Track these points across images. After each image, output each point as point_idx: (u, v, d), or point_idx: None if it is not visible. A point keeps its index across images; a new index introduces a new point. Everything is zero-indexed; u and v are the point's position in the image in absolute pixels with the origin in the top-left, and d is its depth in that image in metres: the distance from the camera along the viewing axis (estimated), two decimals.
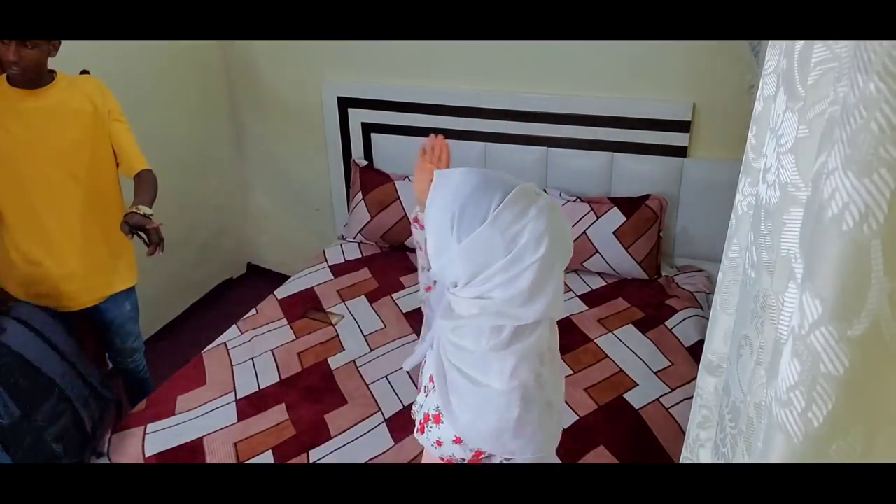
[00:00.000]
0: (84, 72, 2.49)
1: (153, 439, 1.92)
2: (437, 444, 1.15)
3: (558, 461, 1.16)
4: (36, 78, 1.91)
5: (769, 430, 0.52)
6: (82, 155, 2.01)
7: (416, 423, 1.19)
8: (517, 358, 1.07)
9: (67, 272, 2.06)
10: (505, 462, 1.12)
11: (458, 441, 1.12)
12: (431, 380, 1.16)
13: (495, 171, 1.08)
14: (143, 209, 1.90)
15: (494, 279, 1.02)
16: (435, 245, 1.08)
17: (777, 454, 0.51)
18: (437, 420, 1.14)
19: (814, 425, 0.47)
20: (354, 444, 1.90)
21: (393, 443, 1.90)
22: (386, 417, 1.99)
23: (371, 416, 2.00)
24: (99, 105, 2.03)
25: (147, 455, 1.87)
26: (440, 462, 1.17)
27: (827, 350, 0.45)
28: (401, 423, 1.96)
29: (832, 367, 0.45)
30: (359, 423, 1.97)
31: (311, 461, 1.85)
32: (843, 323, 0.44)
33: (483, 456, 1.13)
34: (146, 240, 1.88)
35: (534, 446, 1.10)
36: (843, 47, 0.49)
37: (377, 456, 1.86)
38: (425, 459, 1.22)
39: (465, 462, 1.14)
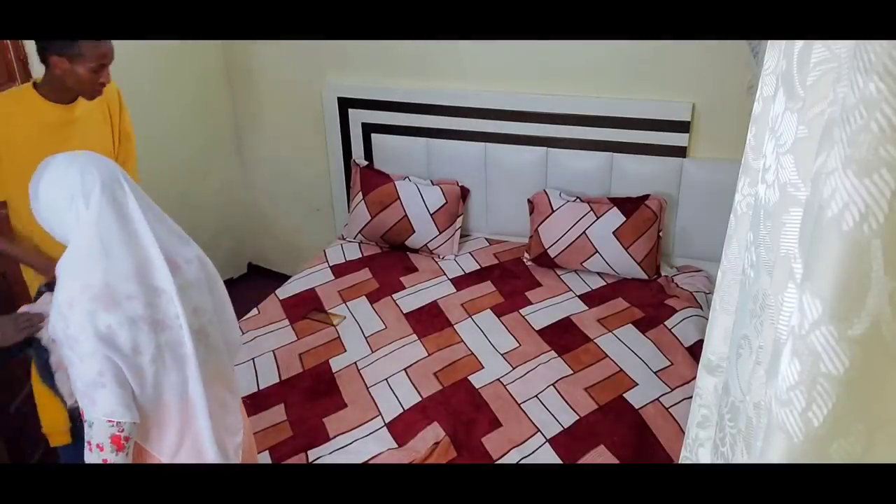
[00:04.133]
0: None
1: None
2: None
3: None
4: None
5: (769, 429, 0.52)
6: None
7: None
8: None
9: None
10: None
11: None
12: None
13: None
14: None
15: None
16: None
17: (777, 454, 0.51)
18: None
19: (814, 425, 0.47)
20: (353, 446, 1.90)
21: (393, 446, 1.90)
22: (386, 421, 1.99)
23: (371, 419, 2.00)
24: (114, 118, 2.05)
25: None
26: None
27: (827, 350, 0.45)
28: (400, 428, 1.96)
29: (832, 366, 0.45)
30: (358, 426, 1.97)
31: (309, 462, 1.85)
32: (843, 323, 0.44)
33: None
34: None
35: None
36: (842, 47, 0.49)
37: (374, 457, 1.86)
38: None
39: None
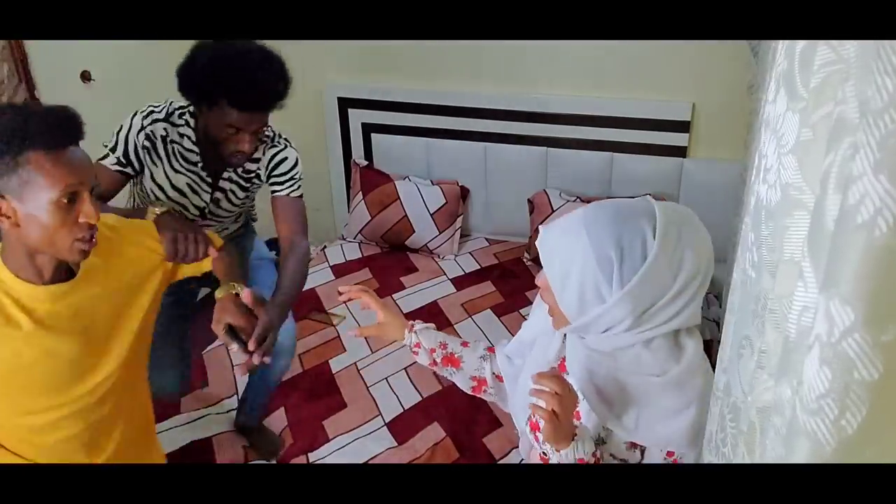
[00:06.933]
0: (84, 72, 2.48)
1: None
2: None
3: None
4: None
5: (792, 438, 0.51)
6: None
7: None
8: None
9: None
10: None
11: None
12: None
13: (612, 202, 1.03)
14: None
15: (666, 310, 0.97)
16: (579, 300, 0.99)
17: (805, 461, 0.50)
18: None
19: (847, 432, 0.47)
20: (352, 446, 1.90)
21: (394, 445, 1.90)
22: (386, 421, 1.99)
23: (371, 419, 1.99)
24: None
25: None
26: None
27: (860, 356, 0.45)
28: (400, 427, 1.96)
29: (866, 373, 0.45)
30: (358, 426, 1.97)
31: (309, 463, 1.85)
32: (876, 329, 0.44)
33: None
34: None
35: None
36: (849, 49, 0.48)
37: (374, 457, 1.85)
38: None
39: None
